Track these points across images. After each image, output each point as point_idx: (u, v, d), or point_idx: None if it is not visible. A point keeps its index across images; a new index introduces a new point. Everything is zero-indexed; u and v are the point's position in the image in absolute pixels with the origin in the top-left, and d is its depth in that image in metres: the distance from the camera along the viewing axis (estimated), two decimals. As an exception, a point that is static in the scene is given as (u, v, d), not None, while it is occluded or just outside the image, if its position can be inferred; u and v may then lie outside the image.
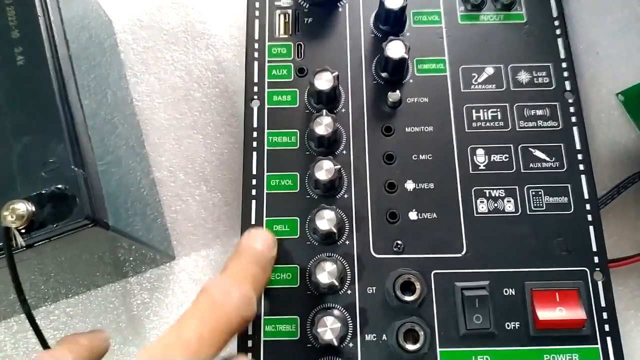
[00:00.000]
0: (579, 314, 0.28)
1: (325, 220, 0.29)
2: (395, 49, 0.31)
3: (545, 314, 0.28)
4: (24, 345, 0.35)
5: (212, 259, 0.36)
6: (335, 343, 0.27)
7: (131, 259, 0.35)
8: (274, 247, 0.29)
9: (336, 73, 0.31)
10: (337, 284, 0.28)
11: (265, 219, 0.31)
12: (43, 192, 0.24)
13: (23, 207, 0.24)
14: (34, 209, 0.24)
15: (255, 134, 0.32)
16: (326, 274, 0.28)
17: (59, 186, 0.24)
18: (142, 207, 0.34)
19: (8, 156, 0.25)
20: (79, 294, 0.36)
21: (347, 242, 0.30)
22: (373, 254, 0.30)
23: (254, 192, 0.31)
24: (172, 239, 0.37)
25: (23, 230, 0.24)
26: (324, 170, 0.30)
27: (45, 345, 0.26)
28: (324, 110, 0.30)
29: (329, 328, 0.27)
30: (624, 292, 0.35)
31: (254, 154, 0.32)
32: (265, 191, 0.31)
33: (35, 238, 0.24)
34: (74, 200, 0.24)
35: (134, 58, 0.40)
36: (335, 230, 0.29)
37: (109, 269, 0.35)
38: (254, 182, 0.32)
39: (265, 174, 0.32)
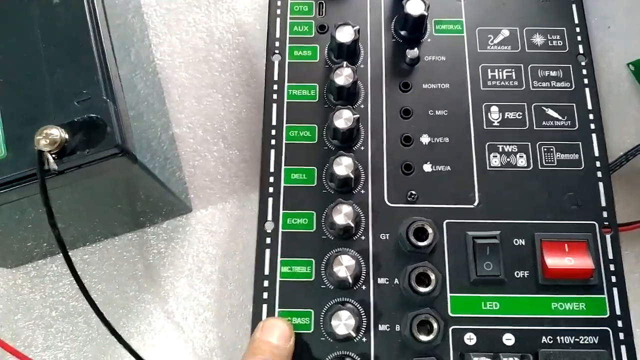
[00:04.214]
0: (587, 263, 0.29)
1: (343, 166, 0.30)
2: (415, 6, 0.32)
3: (554, 261, 0.29)
4: (41, 290, 0.36)
5: (228, 212, 0.37)
6: (350, 281, 0.28)
7: (147, 210, 0.36)
8: (291, 338, 0.27)
9: (357, 27, 0.32)
10: (352, 225, 0.29)
11: (283, 167, 0.32)
12: (75, 120, 0.25)
13: (56, 132, 0.25)
14: (67, 136, 0.25)
15: (275, 87, 0.33)
16: (342, 215, 0.29)
17: (91, 115, 0.25)
18: (162, 160, 0.35)
19: (43, 87, 0.26)
20: (97, 242, 0.37)
21: (362, 192, 0.31)
22: (387, 203, 0.31)
23: (273, 141, 0.32)
24: (189, 192, 0.38)
25: (55, 156, 0.25)
26: (343, 118, 0.30)
27: (74, 273, 0.26)
28: (344, 62, 0.31)
29: (345, 268, 0.28)
30: (629, 257, 0.36)
31: (274, 105, 0.33)
32: (284, 141, 0.32)
33: (67, 164, 0.25)
34: (105, 128, 0.25)
35: (157, 19, 0.41)
36: (352, 176, 0.30)
37: (127, 218, 0.36)
38: (273, 132, 0.33)
39: (285, 124, 0.33)
